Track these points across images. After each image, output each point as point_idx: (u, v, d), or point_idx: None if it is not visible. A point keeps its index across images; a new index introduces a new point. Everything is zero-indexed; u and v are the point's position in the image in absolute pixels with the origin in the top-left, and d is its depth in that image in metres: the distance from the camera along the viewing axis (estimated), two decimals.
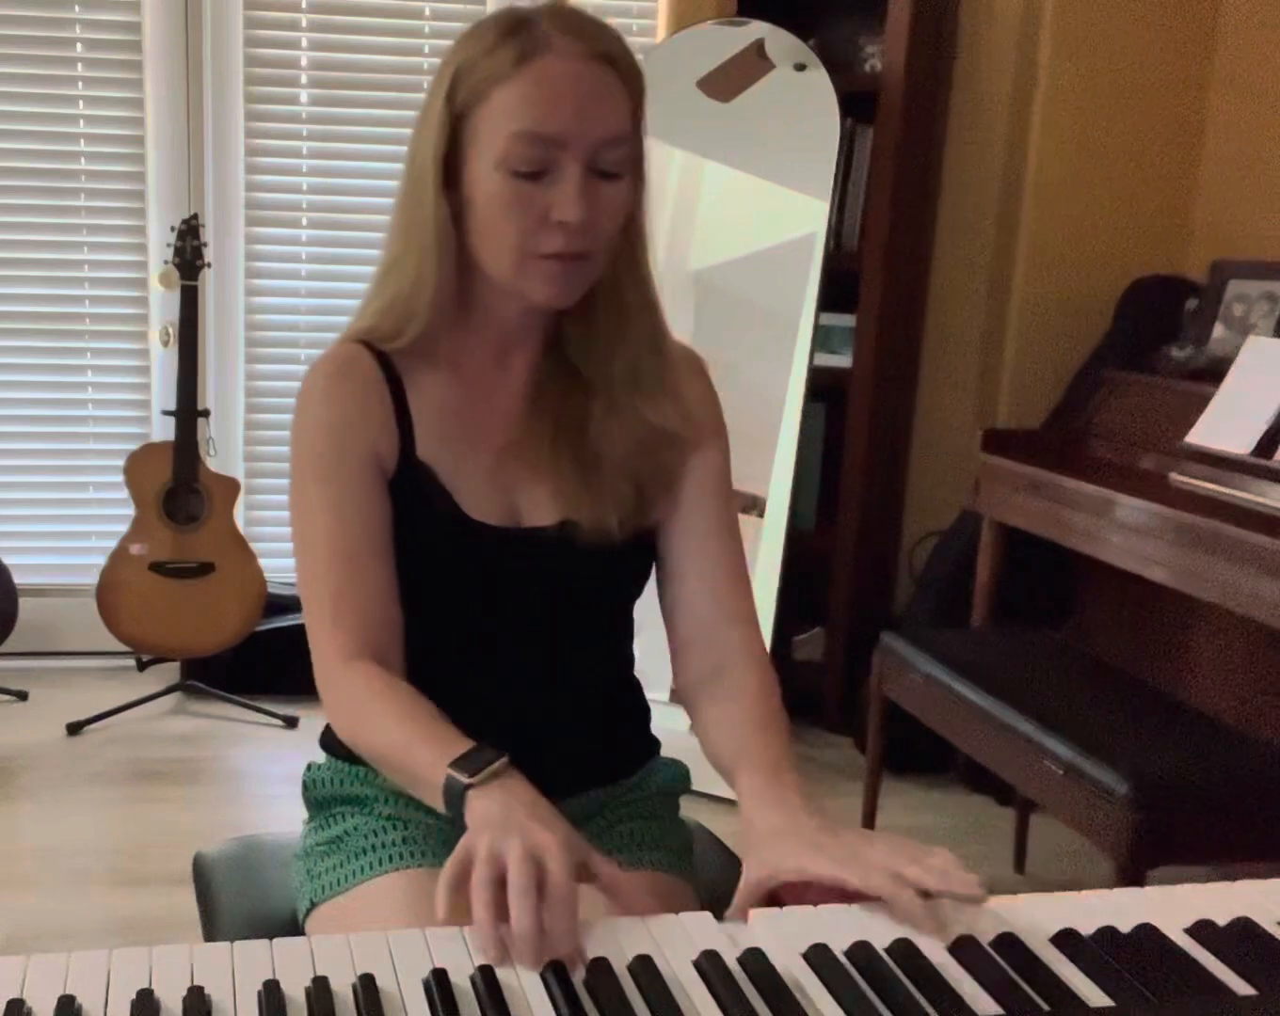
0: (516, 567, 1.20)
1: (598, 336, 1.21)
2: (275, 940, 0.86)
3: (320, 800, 1.29)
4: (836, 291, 3.10)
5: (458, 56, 1.12)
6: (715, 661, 1.23)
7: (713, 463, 1.26)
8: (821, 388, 3.12)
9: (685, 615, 1.25)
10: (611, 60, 1.10)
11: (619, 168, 1.12)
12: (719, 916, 0.93)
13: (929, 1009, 0.82)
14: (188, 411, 3.21)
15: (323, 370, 1.20)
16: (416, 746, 1.05)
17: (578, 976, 0.84)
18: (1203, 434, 2.54)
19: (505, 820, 0.93)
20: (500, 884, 0.88)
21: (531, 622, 1.23)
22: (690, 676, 1.25)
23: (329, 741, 1.29)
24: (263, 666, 3.39)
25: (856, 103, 3.09)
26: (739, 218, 3.05)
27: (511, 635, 1.22)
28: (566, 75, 1.08)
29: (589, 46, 1.09)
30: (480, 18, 1.15)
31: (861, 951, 0.88)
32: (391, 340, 1.19)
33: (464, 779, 0.98)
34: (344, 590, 1.14)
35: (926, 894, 0.92)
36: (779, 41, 3.04)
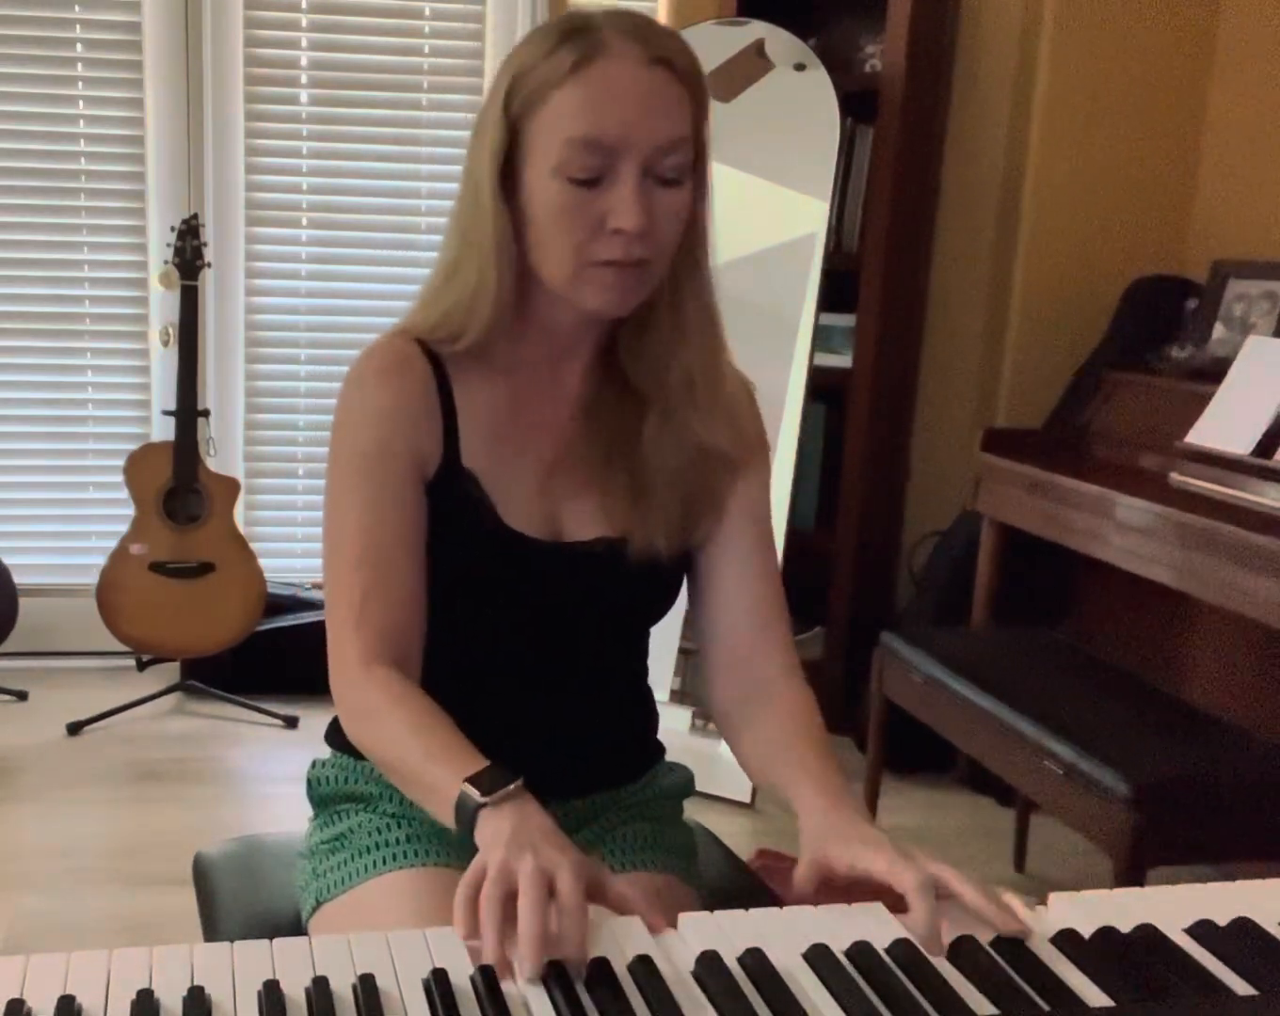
0: (553, 580, 1.19)
1: (654, 344, 1.19)
2: (275, 940, 0.86)
3: (325, 797, 1.29)
4: (836, 291, 3.10)
5: (516, 61, 1.11)
6: (757, 682, 1.23)
7: (757, 484, 1.26)
8: (821, 388, 3.12)
9: (726, 639, 1.25)
10: (670, 64, 1.09)
11: (678, 174, 1.11)
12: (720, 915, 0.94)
13: (929, 1009, 0.82)
14: (188, 411, 3.21)
15: (373, 363, 1.17)
16: (431, 760, 1.04)
17: (578, 977, 0.84)
18: (1203, 434, 2.54)
19: (518, 839, 0.92)
20: (509, 900, 0.87)
21: (560, 633, 1.22)
22: (731, 696, 1.25)
23: (334, 737, 1.29)
24: (263, 666, 3.39)
25: (856, 103, 3.09)
26: (739, 218, 3.05)
27: (538, 643, 1.22)
28: (622, 79, 1.07)
29: (647, 50, 1.07)
30: (542, 24, 1.16)
31: (861, 951, 0.88)
32: (449, 344, 1.17)
33: (478, 797, 0.97)
34: (371, 592, 1.13)
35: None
36: (779, 41, 3.04)
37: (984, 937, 0.90)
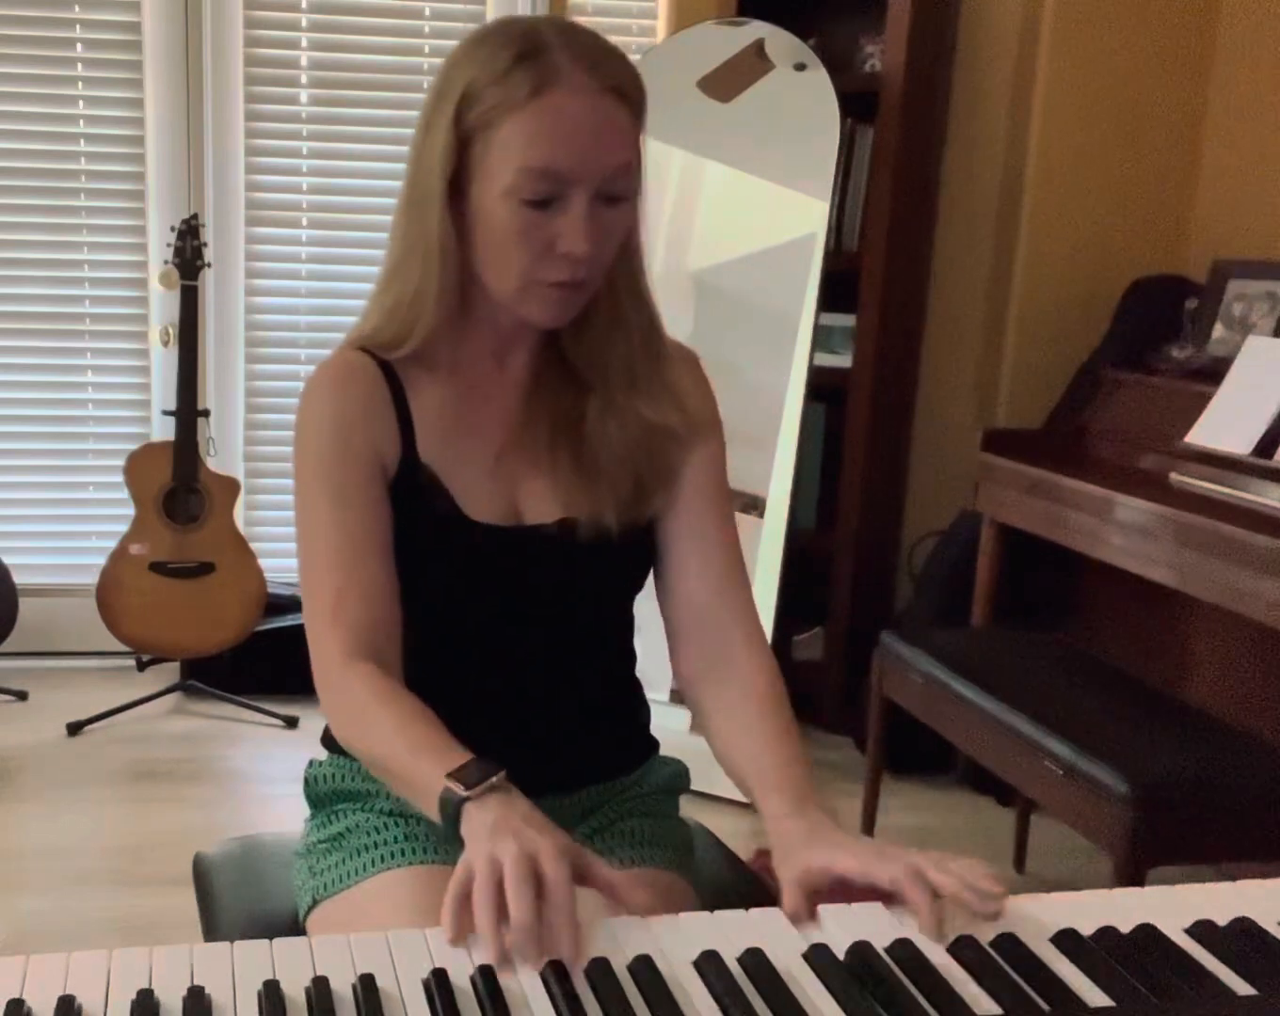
0: (517, 566, 1.21)
1: (593, 339, 1.22)
2: (275, 940, 0.86)
3: (321, 796, 1.29)
4: (836, 291, 3.10)
5: (466, 73, 1.11)
6: (716, 652, 1.24)
7: (710, 457, 1.27)
8: (821, 388, 3.12)
9: (683, 604, 1.26)
10: (621, 92, 1.10)
11: (624, 192, 1.13)
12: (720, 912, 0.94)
13: (929, 1009, 0.82)
14: (188, 411, 3.21)
15: (325, 374, 1.20)
16: (415, 755, 1.04)
17: (578, 976, 0.84)
18: (1203, 434, 2.54)
19: (500, 828, 0.93)
20: (500, 887, 0.88)
21: (533, 620, 1.23)
22: (690, 667, 1.26)
23: (330, 740, 1.29)
24: (263, 666, 3.39)
25: (856, 103, 3.09)
26: (739, 218, 3.05)
27: (513, 632, 1.23)
28: (579, 111, 1.08)
29: (601, 79, 1.09)
30: (488, 24, 1.15)
31: (861, 951, 0.88)
32: (394, 349, 1.19)
33: (461, 791, 0.97)
34: (345, 589, 1.14)
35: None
36: (779, 41, 3.04)
37: (984, 937, 0.90)
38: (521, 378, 1.25)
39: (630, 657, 1.34)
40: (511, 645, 1.23)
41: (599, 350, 1.22)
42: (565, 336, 1.23)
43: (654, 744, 1.36)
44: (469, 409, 1.22)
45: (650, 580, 1.29)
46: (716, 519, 1.27)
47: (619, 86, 1.10)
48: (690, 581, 1.25)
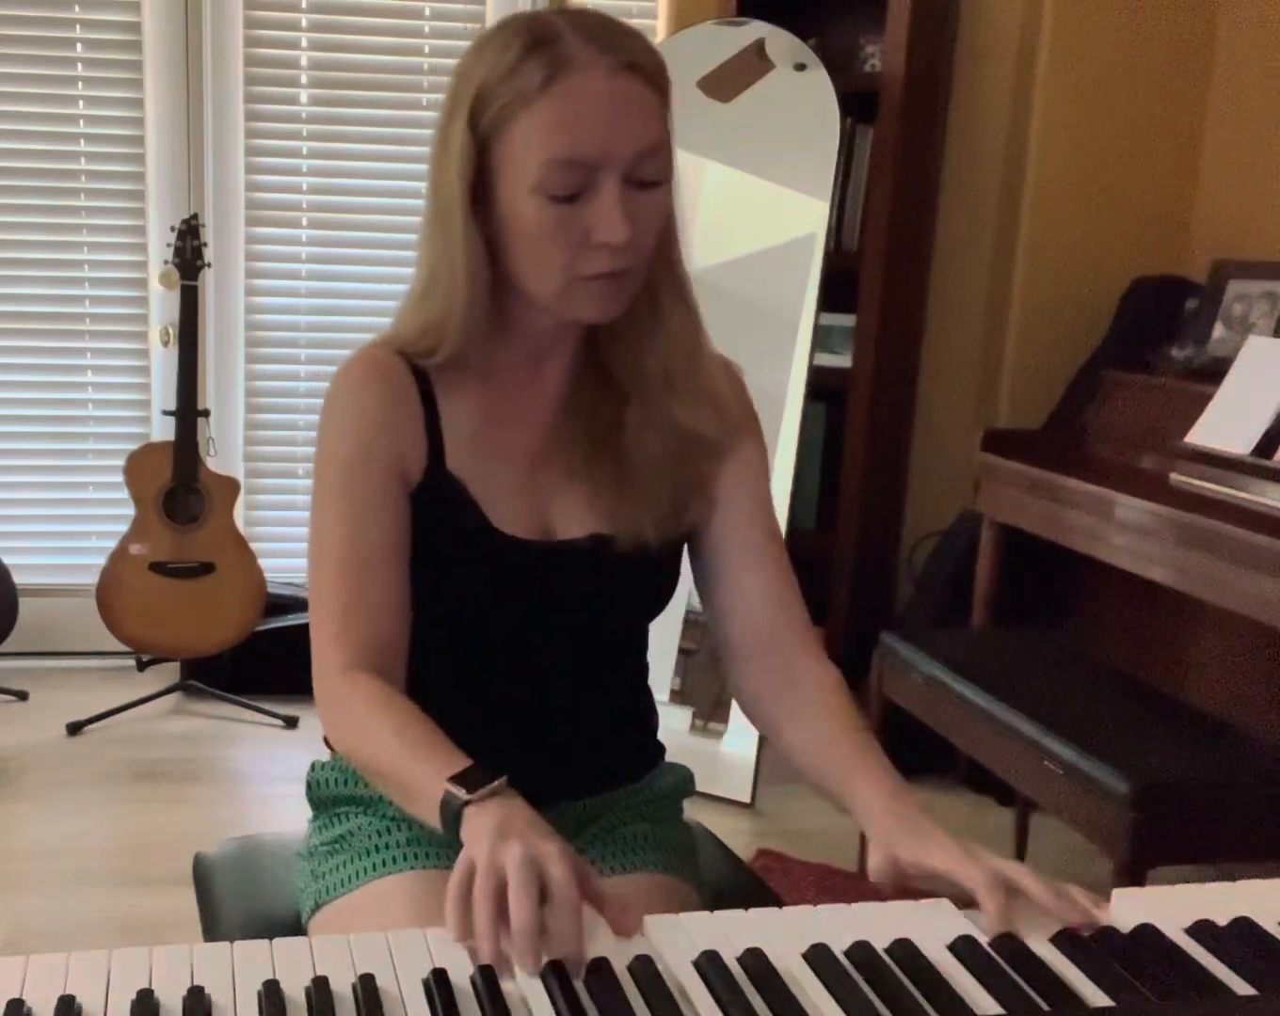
0: (545, 581, 1.19)
1: (632, 336, 1.19)
2: (275, 940, 0.86)
3: (324, 799, 1.29)
4: (836, 291, 3.10)
5: (477, 74, 1.08)
6: (782, 669, 1.23)
7: (750, 466, 1.25)
8: (821, 388, 3.12)
9: (743, 623, 1.24)
10: (638, 68, 1.07)
11: (657, 175, 1.09)
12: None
13: (929, 1009, 0.82)
14: (188, 411, 3.21)
15: (354, 373, 1.18)
16: (413, 760, 1.03)
17: (579, 977, 0.84)
18: (1203, 434, 2.54)
19: (503, 830, 0.92)
20: (502, 893, 0.87)
21: (556, 633, 1.22)
22: (758, 684, 1.25)
23: None
24: (263, 666, 3.39)
25: (856, 103, 3.10)
26: (739, 218, 3.05)
27: (537, 641, 1.21)
28: (596, 94, 1.05)
29: (615, 58, 1.05)
30: (494, 24, 1.12)
31: (861, 951, 0.88)
32: (426, 357, 1.17)
33: (463, 795, 0.96)
34: (351, 603, 1.13)
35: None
36: (779, 41, 3.04)
37: (984, 937, 0.90)
38: (556, 388, 1.22)
39: (644, 667, 1.33)
40: (534, 653, 1.22)
41: (637, 351, 1.19)
42: (603, 338, 1.20)
43: (661, 749, 1.35)
44: (501, 419, 1.20)
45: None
46: (765, 530, 1.26)
47: (636, 63, 1.07)
48: (749, 602, 1.24)
